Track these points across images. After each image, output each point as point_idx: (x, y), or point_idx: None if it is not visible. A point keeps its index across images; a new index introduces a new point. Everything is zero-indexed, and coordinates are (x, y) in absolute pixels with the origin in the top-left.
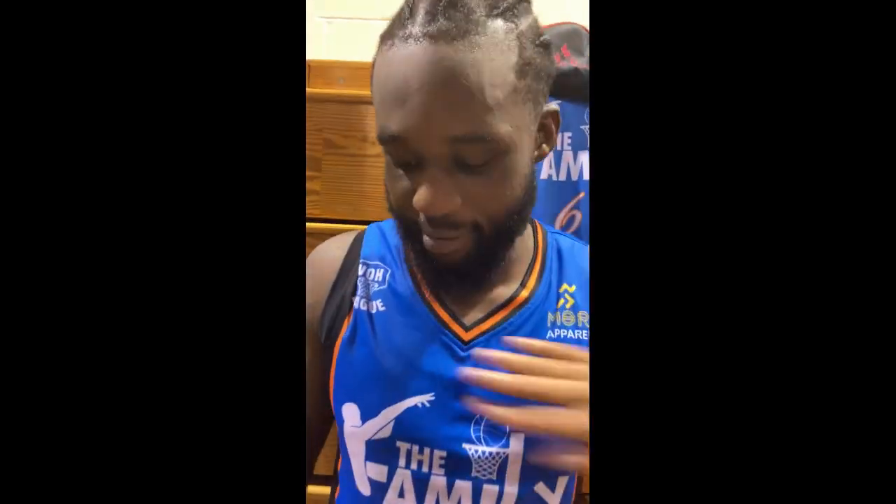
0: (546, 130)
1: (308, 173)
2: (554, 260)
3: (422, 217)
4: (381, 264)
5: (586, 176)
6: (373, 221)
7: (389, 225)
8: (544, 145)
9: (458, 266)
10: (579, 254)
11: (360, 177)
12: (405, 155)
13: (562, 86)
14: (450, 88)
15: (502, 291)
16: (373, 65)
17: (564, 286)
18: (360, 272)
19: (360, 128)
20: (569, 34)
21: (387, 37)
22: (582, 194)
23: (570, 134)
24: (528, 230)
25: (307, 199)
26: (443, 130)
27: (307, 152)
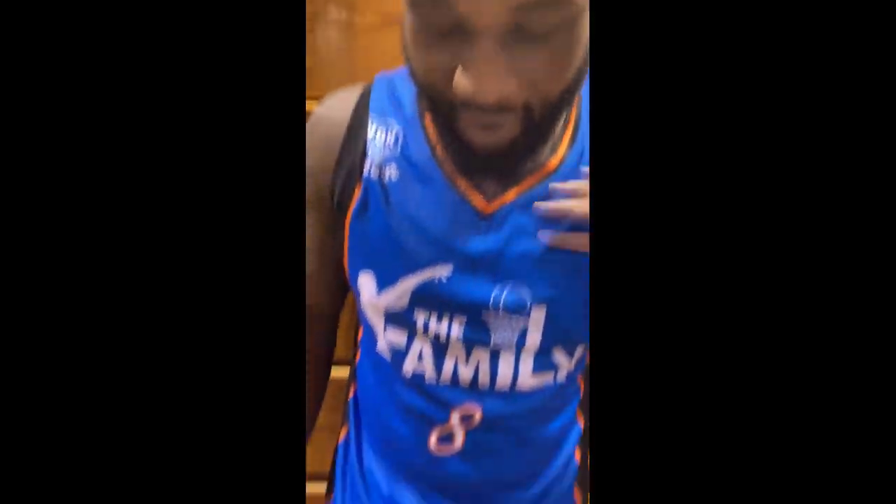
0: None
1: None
2: (586, 122)
3: (461, 99)
4: (394, 124)
5: None
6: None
7: (403, 75)
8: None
9: (499, 155)
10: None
11: (355, 49)
12: (447, 19)
13: None
14: None
15: (530, 157)
16: None
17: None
18: (370, 134)
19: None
20: None
21: None
22: None
23: None
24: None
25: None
26: None
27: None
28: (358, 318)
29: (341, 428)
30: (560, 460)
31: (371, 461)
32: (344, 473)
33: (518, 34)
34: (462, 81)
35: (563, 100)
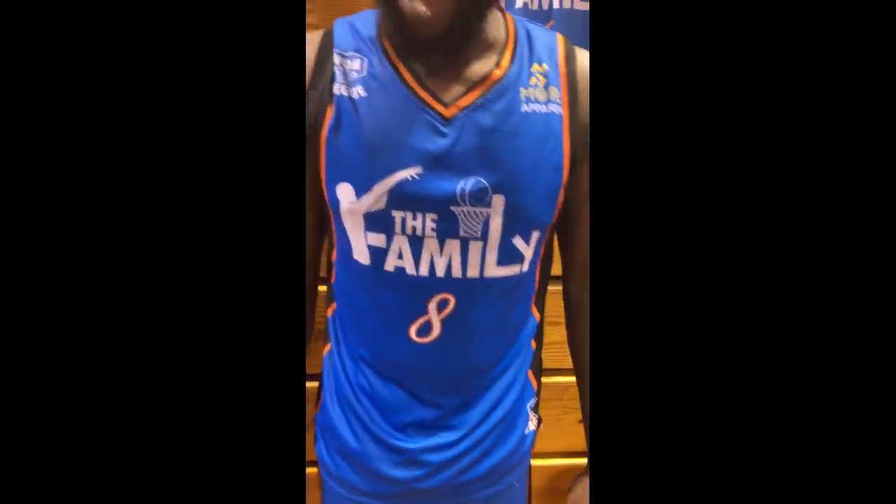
0: None
1: None
2: (524, 42)
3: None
4: (357, 54)
5: (556, 4)
6: None
7: (360, 17)
8: None
9: (437, 37)
10: (548, 37)
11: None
12: None
13: None
14: None
15: (478, 69)
16: None
17: (535, 66)
18: (337, 62)
19: None
20: None
21: None
22: (552, 21)
23: None
24: (499, 17)
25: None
26: None
27: None
28: (332, 240)
29: (324, 345)
30: (519, 347)
31: (355, 369)
32: (331, 382)
33: None
34: None
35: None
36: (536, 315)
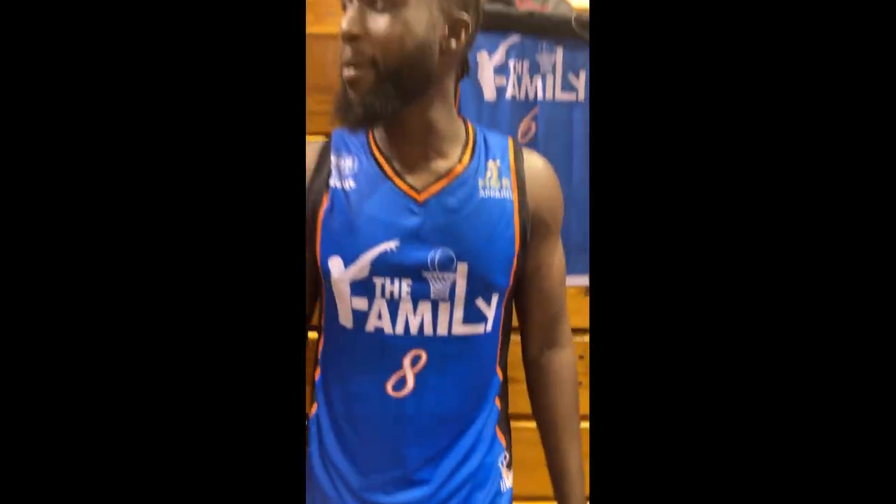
0: (455, 33)
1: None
2: (481, 143)
3: (343, 54)
4: (350, 153)
5: (540, 96)
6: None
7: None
8: (453, 41)
9: (364, 96)
10: (501, 139)
11: None
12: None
13: (522, 24)
14: None
15: (443, 165)
16: None
17: (490, 161)
18: (333, 162)
19: None
20: None
21: None
22: (536, 108)
23: (528, 62)
24: (461, 124)
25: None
26: None
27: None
28: (322, 308)
29: (310, 406)
30: (485, 403)
31: (336, 430)
32: (315, 442)
33: (374, 4)
34: (342, 25)
35: (407, 72)
36: (500, 374)
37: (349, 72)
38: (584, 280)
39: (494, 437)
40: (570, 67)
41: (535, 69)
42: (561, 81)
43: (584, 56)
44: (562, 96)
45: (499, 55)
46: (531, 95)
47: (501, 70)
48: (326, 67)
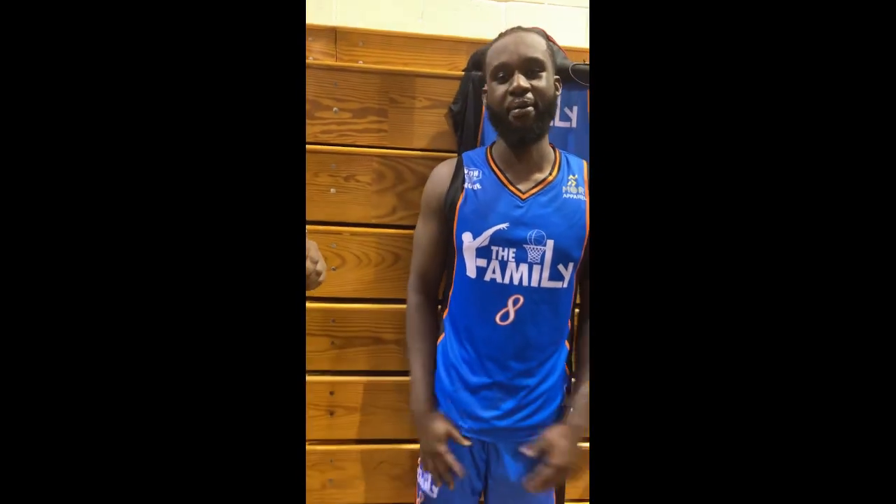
0: (556, 87)
1: (377, 118)
2: (565, 163)
3: (508, 101)
4: (476, 167)
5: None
6: (420, 148)
7: (475, 151)
8: (558, 92)
9: (528, 122)
10: (578, 161)
11: (411, 121)
12: (503, 70)
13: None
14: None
15: (540, 176)
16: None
17: (570, 175)
18: (466, 172)
19: (411, 91)
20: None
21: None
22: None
23: (577, 106)
24: (552, 150)
25: (378, 135)
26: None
27: (379, 105)
28: (453, 266)
29: (439, 336)
30: (560, 343)
31: (459, 345)
32: (442, 356)
33: (530, 70)
34: (515, 83)
35: (548, 111)
36: (569, 325)
37: (521, 112)
38: None
39: (563, 369)
40: (566, 103)
41: (581, 108)
42: (559, 114)
43: (577, 95)
44: (560, 124)
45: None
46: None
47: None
48: None
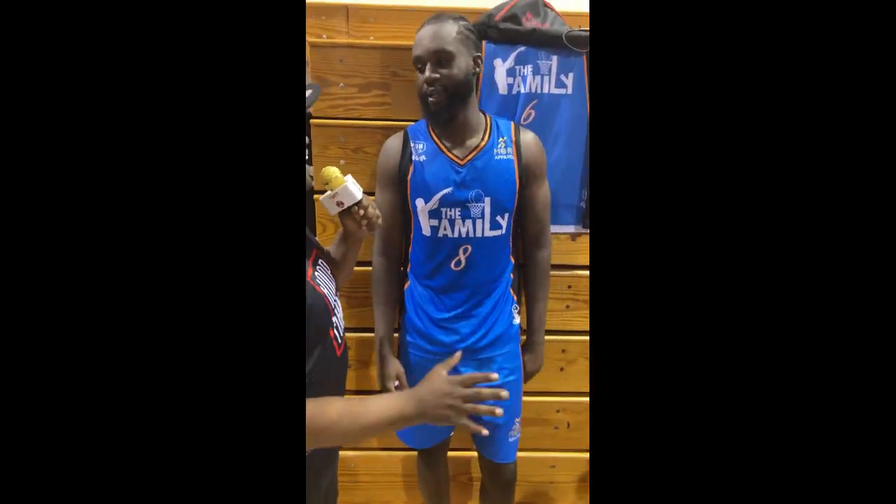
0: (476, 64)
1: (381, 92)
2: (495, 127)
3: (424, 89)
4: (420, 139)
5: (539, 91)
6: (414, 120)
7: (418, 124)
8: (477, 69)
9: (440, 106)
10: (506, 123)
11: (412, 93)
12: (418, 62)
13: (527, 38)
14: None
15: (473, 142)
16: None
17: (500, 138)
18: (413, 145)
19: (411, 64)
20: (529, 4)
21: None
22: (536, 100)
23: (531, 66)
24: (482, 116)
25: (382, 108)
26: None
27: (381, 79)
28: (410, 227)
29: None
30: (505, 275)
31: (421, 289)
32: (410, 298)
33: (438, 61)
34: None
35: (458, 91)
36: (513, 260)
37: (432, 94)
38: (569, 229)
39: (509, 294)
40: (562, 70)
41: (536, 71)
42: (555, 80)
43: (572, 62)
44: (555, 91)
45: (509, 61)
46: (533, 90)
47: (511, 72)
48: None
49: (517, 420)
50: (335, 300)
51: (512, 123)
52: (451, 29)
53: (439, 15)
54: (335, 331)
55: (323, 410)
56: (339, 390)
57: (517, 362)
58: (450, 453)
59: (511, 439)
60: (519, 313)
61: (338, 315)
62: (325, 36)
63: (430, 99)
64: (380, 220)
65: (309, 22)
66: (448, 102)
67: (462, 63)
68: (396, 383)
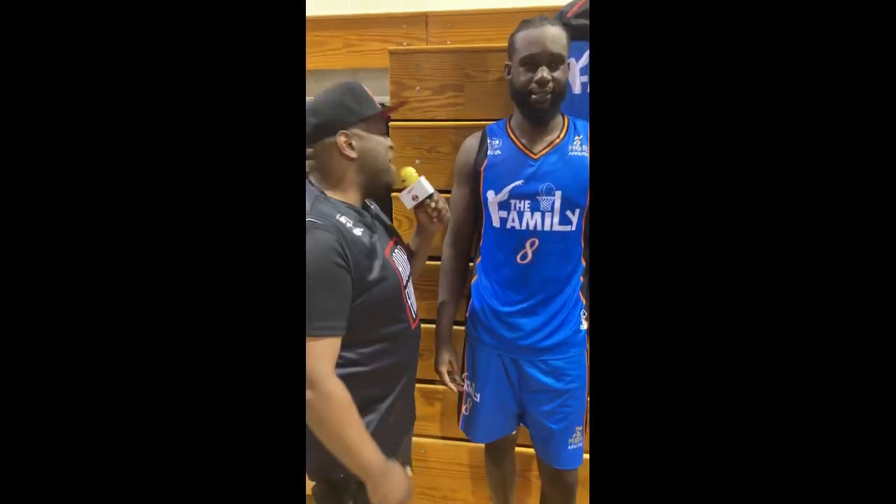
0: (568, 65)
1: (455, 93)
2: (572, 126)
3: (531, 88)
4: (497, 137)
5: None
6: (491, 119)
7: (497, 123)
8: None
9: (544, 106)
10: (584, 123)
11: (485, 93)
12: (530, 61)
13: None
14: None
15: (549, 138)
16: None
17: (577, 136)
18: (489, 142)
19: (484, 65)
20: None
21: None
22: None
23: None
24: (561, 116)
25: (455, 109)
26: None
27: (455, 81)
28: (481, 220)
29: (473, 277)
30: (575, 277)
31: (489, 283)
32: (476, 294)
33: (553, 63)
34: (540, 74)
35: (562, 93)
36: (584, 263)
37: (541, 96)
38: None
39: (579, 297)
40: None
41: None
42: None
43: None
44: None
45: (583, 60)
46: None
47: (585, 70)
48: None
49: (578, 428)
50: (408, 278)
51: (589, 124)
52: (562, 34)
53: (541, 17)
54: (408, 302)
55: (350, 414)
56: (412, 357)
57: (581, 369)
58: (518, 449)
59: (571, 447)
60: (587, 319)
61: (409, 291)
62: (405, 43)
63: (534, 97)
64: (448, 214)
65: (390, 31)
66: (551, 104)
67: (566, 68)
68: (448, 369)
